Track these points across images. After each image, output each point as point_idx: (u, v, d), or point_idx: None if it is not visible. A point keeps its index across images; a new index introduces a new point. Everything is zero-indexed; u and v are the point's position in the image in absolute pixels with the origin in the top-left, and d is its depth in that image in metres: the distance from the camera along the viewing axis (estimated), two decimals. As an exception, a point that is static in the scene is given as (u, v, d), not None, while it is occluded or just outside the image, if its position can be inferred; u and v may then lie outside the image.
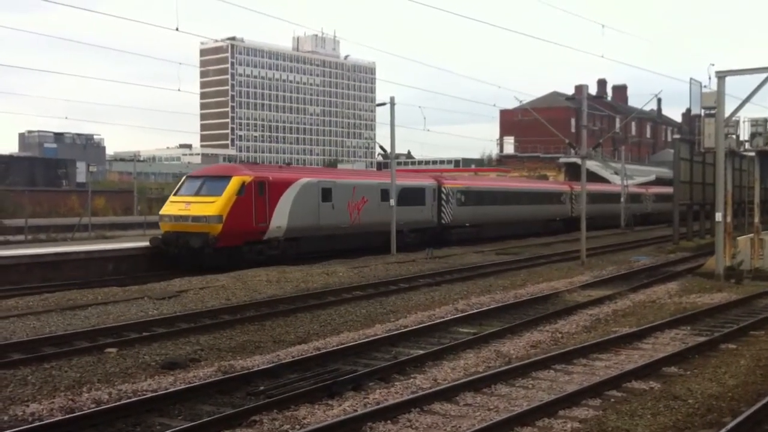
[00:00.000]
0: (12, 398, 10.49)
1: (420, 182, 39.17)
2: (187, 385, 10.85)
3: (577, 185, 55.07)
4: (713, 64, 61.72)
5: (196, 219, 26.98)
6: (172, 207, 28.17)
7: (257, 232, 28.20)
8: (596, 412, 9.67)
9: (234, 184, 27.52)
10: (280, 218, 29.02)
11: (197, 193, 27.88)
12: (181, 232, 26.86)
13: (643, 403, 10.03)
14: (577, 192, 52.36)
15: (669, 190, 71.45)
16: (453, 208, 40.28)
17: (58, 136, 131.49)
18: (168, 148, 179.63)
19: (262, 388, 10.84)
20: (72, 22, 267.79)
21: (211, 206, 26.97)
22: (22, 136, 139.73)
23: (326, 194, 31.70)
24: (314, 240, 31.03)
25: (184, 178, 30.30)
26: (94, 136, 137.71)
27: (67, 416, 9.39)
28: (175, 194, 29.00)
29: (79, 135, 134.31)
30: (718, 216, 24.82)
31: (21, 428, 8.86)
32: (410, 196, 36.95)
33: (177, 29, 28.11)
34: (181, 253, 26.84)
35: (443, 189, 39.80)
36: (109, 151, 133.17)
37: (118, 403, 9.94)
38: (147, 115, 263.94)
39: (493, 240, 42.05)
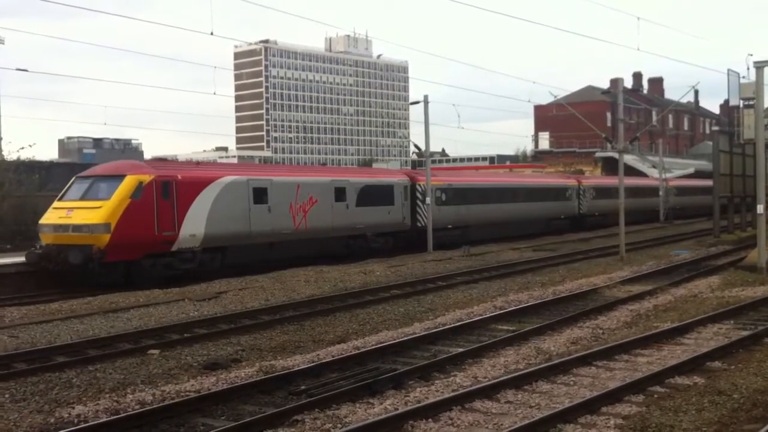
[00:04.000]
0: (58, 400, 10.66)
1: (386, 179, 34.54)
2: (229, 386, 10.93)
3: (585, 179, 53.11)
4: (751, 55, 60.60)
5: (77, 228, 22.47)
6: (52, 215, 23.45)
7: (162, 243, 23.71)
8: (639, 408, 9.57)
9: (127, 184, 23.06)
10: (193, 225, 24.51)
11: (83, 197, 23.33)
12: (62, 245, 22.41)
13: (686, 398, 9.91)
14: (585, 186, 50.13)
15: (694, 182, 70.60)
16: (431, 208, 35.74)
17: (97, 142, 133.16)
18: (204, 151, 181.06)
19: (303, 387, 10.89)
20: (110, 29, 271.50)
21: (97, 212, 22.53)
22: (61, 142, 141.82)
23: (260, 195, 27.10)
24: (245, 250, 26.62)
25: (73, 178, 24.99)
26: (132, 141, 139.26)
27: (112, 417, 9.52)
28: (59, 199, 24.20)
29: (117, 140, 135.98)
30: (760, 208, 24.44)
31: (68, 430, 9.00)
32: (374, 195, 32.49)
33: (212, 33, 28.63)
34: (64, 270, 22.47)
35: (418, 187, 35.29)
36: (147, 155, 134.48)
37: (162, 404, 10.05)
38: (184, 119, 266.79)
39: (484, 243, 37.42)
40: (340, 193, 30.67)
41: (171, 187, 24.02)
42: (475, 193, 39.61)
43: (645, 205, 57.01)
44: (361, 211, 31.41)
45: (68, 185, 24.57)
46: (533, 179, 51.81)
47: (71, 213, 22.87)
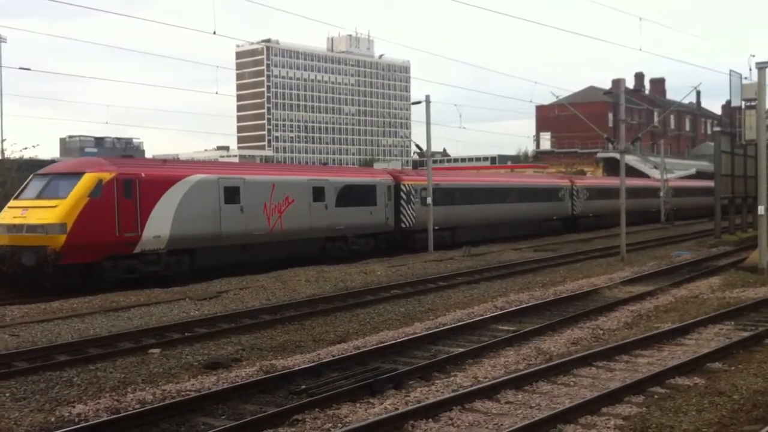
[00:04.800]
0: (58, 399, 10.67)
1: (368, 178, 33.29)
2: (229, 385, 10.94)
3: (578, 179, 52.12)
4: (753, 55, 60.80)
5: (31, 229, 21.36)
6: (7, 214, 22.40)
7: (123, 244, 22.61)
8: (640, 409, 9.58)
9: (86, 182, 21.97)
10: (158, 225, 23.41)
11: (39, 196, 22.21)
12: (16, 246, 21.25)
13: (687, 399, 9.91)
14: (579, 187, 49.27)
15: (691, 183, 70.38)
16: (416, 209, 34.71)
17: (99, 141, 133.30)
18: (206, 150, 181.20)
19: (303, 387, 10.90)
20: (112, 28, 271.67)
21: (52, 212, 21.40)
22: (63, 141, 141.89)
23: (231, 194, 25.92)
24: (216, 252, 25.44)
25: (31, 176, 23.87)
26: (134, 140, 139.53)
27: (112, 416, 9.53)
28: (15, 197, 23.16)
29: (119, 139, 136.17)
30: (761, 209, 24.43)
31: (68, 429, 9.00)
32: (355, 195, 31.29)
33: (214, 33, 28.56)
34: (17, 272, 21.26)
35: (402, 187, 34.13)
36: (149, 154, 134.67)
37: (162, 403, 10.05)
38: (186, 118, 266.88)
39: (474, 245, 35.77)
40: (318, 193, 29.52)
41: (134, 185, 22.92)
42: (464, 193, 38.64)
43: (642, 206, 56.39)
44: (340, 212, 30.33)
45: (25, 183, 23.52)
46: (524, 179, 50.73)
47: (26, 212, 21.80)
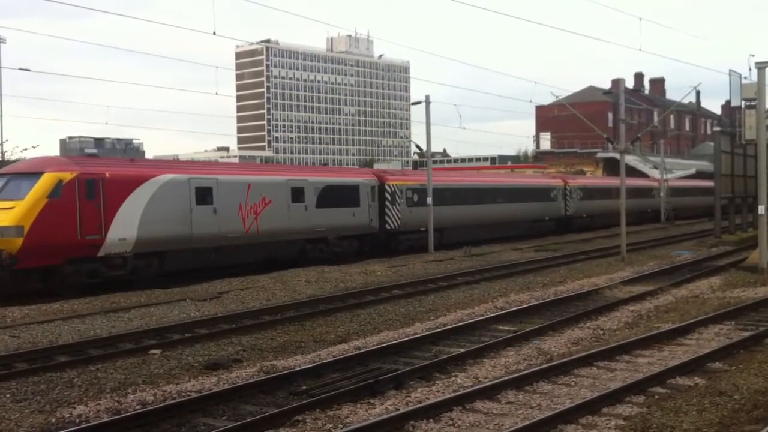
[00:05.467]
0: (59, 400, 10.67)
1: (351, 178, 32.43)
2: (230, 386, 10.93)
3: (572, 179, 51.31)
4: (753, 55, 60.72)
5: None
6: None
7: (86, 247, 21.67)
8: (640, 409, 9.57)
9: (45, 183, 21.04)
10: (124, 227, 22.51)
11: None
12: None
13: (687, 399, 9.91)
14: (572, 187, 48.63)
15: (688, 182, 70.25)
16: (402, 210, 33.92)
17: (99, 142, 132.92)
18: (206, 151, 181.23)
19: (304, 387, 10.90)
20: (112, 29, 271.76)
21: (8, 214, 20.50)
22: (63, 141, 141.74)
23: (203, 195, 24.96)
24: (187, 255, 24.49)
25: None
26: (134, 141, 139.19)
27: (113, 417, 9.52)
28: None
29: (119, 140, 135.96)
30: (761, 209, 24.43)
31: (69, 430, 9.00)
32: (337, 196, 30.39)
33: (214, 33, 28.54)
34: None
35: (387, 187, 33.41)
36: (149, 155, 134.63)
37: (163, 404, 10.05)
38: (186, 119, 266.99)
39: (460, 246, 34.88)
40: (297, 194, 28.55)
41: (97, 185, 21.98)
42: (451, 193, 37.43)
43: (638, 206, 55.78)
44: (321, 213, 29.40)
45: None
46: (515, 179, 49.94)
47: None
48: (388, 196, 33.37)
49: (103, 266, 22.25)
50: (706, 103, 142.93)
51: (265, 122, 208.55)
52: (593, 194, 50.92)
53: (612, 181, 58.36)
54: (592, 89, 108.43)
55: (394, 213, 33.59)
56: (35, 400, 10.69)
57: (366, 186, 32.26)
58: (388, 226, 33.35)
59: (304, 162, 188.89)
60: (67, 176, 21.45)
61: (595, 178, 64.99)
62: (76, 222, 21.39)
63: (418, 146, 41.09)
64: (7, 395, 10.96)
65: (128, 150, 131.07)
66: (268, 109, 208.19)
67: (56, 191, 21.09)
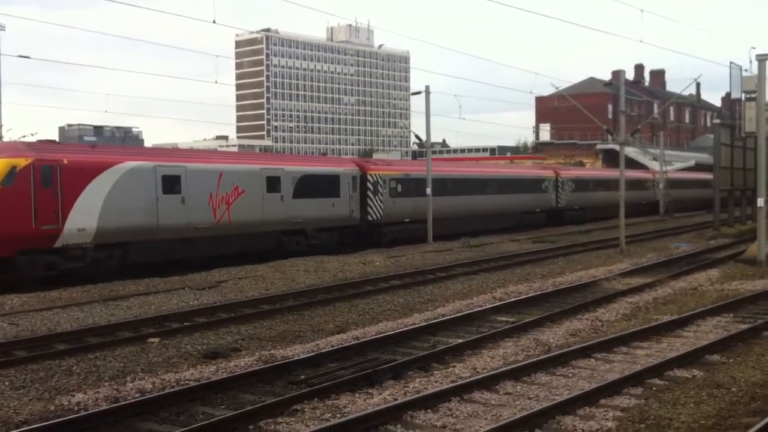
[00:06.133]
0: (58, 388, 10.68)
1: (331, 168, 31.28)
2: (229, 375, 10.96)
3: (564, 170, 50.43)
4: (754, 48, 60.56)
5: None
6: None
7: (42, 238, 20.68)
8: (638, 401, 9.60)
9: None
10: (83, 217, 21.47)
11: None
12: None
13: (685, 391, 9.93)
14: (564, 178, 47.75)
15: (684, 174, 70.03)
16: (385, 200, 32.91)
17: (98, 130, 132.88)
18: (205, 139, 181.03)
19: (302, 377, 10.91)
20: (111, 17, 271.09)
21: None
22: (62, 129, 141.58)
23: (170, 183, 23.92)
24: (152, 246, 23.37)
25: None
26: (133, 129, 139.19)
27: (112, 405, 9.54)
28: None
29: (118, 128, 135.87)
30: (760, 201, 24.45)
31: (67, 418, 9.01)
32: (315, 186, 29.30)
33: (214, 22, 28.40)
34: None
35: (369, 177, 32.37)
36: (148, 143, 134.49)
37: (162, 393, 10.08)
38: (185, 108, 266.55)
39: (447, 239, 34.11)
40: (273, 183, 27.43)
41: (54, 173, 20.94)
42: (437, 184, 35.81)
43: (634, 198, 54.60)
44: (298, 204, 28.28)
45: None
46: (504, 170, 48.65)
47: None
48: (370, 186, 32.42)
49: (60, 258, 21.25)
50: (706, 96, 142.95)
51: (264, 111, 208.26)
52: (586, 186, 50.27)
53: (605, 173, 58.12)
54: (592, 81, 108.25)
55: (376, 204, 32.62)
56: (34, 388, 10.70)
57: (346, 176, 31.25)
58: (370, 218, 32.42)
59: (304, 151, 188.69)
60: (21, 162, 20.46)
61: (588, 169, 64.50)
62: (30, 211, 20.40)
63: (417, 136, 40.88)
64: (6, 383, 10.97)
65: (127, 138, 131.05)
66: (268, 98, 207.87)
67: (9, 178, 20.20)
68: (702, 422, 8.68)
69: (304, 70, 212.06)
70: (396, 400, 9.63)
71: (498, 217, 40.83)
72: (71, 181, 21.35)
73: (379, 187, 32.80)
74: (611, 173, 58.14)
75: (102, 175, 22.15)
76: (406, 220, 33.92)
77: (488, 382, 10.39)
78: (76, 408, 9.61)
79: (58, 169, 21.12)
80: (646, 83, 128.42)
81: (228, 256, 25.54)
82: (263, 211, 26.91)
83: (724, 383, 10.21)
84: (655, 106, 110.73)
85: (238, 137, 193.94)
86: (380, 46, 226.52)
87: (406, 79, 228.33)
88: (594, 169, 64.83)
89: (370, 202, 32.36)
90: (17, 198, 20.19)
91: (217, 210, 25.24)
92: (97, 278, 21.33)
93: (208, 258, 24.85)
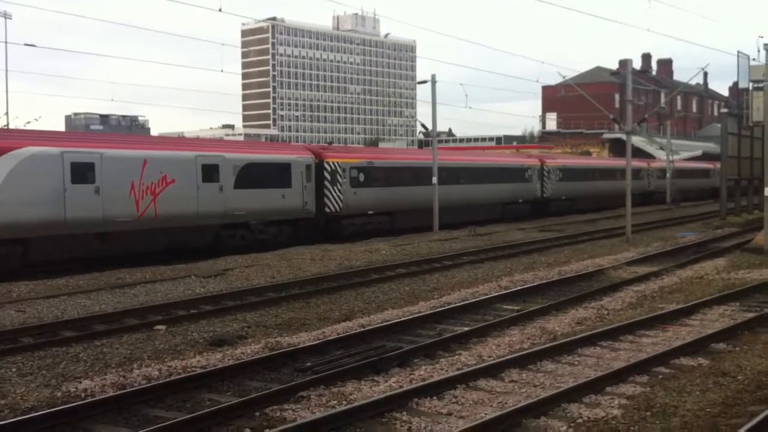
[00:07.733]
0: (65, 375, 10.73)
1: (280, 155, 28.60)
2: (235, 362, 10.98)
3: (550, 159, 48.32)
4: (762, 37, 60.13)
5: None
6: None
7: None
8: (644, 389, 9.60)
9: None
10: None
11: None
12: None
13: (691, 379, 9.92)
14: (550, 167, 45.52)
15: (682, 164, 69.61)
16: (345, 191, 30.43)
17: (104, 118, 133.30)
18: (211, 128, 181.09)
19: (308, 364, 10.93)
20: (118, 6, 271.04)
21: None
22: (68, 118, 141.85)
23: (82, 171, 21.38)
24: (59, 242, 20.96)
25: None
26: (139, 118, 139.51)
27: (118, 392, 9.58)
28: None
29: (124, 116, 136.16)
30: (767, 191, 24.37)
31: (74, 404, 9.05)
32: (261, 175, 26.77)
33: (220, 10, 28.36)
34: None
35: (326, 165, 29.81)
36: (154, 131, 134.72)
37: (168, 379, 10.11)
38: (191, 96, 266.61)
39: (415, 231, 32.32)
40: (209, 172, 24.90)
41: None
42: (403, 173, 33.67)
43: (623, 188, 53.57)
44: (241, 195, 25.76)
45: None
46: (483, 158, 45.86)
47: None
48: (327, 175, 29.84)
49: None
50: (713, 85, 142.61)
51: (270, 100, 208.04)
52: (574, 175, 47.83)
53: (595, 162, 56.38)
54: (599, 70, 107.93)
55: (335, 195, 30.12)
56: (41, 375, 10.75)
57: (299, 164, 28.38)
58: (328, 210, 29.93)
59: (310, 140, 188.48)
60: None
61: (576, 157, 62.90)
62: None
63: (423, 125, 40.63)
64: (13, 369, 11.02)
65: (134, 127, 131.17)
66: (274, 87, 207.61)
67: None
68: (708, 410, 8.68)
69: (310, 59, 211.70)
70: (402, 387, 9.64)
71: (475, 208, 38.17)
72: None
73: (338, 177, 30.29)
74: (601, 162, 56.77)
75: None
76: (369, 212, 31.79)
77: (494, 370, 10.40)
78: (83, 395, 9.65)
79: None
80: (654, 72, 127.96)
81: (155, 253, 23.60)
82: (198, 203, 24.41)
83: (729, 371, 10.20)
84: (662, 95, 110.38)
85: (244, 126, 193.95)
86: (386, 35, 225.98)
87: (413, 68, 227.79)
88: (583, 158, 63.54)
89: (327, 192, 29.90)
90: None
91: (140, 202, 22.73)
92: (103, 266, 21.19)
93: (132, 255, 22.88)
